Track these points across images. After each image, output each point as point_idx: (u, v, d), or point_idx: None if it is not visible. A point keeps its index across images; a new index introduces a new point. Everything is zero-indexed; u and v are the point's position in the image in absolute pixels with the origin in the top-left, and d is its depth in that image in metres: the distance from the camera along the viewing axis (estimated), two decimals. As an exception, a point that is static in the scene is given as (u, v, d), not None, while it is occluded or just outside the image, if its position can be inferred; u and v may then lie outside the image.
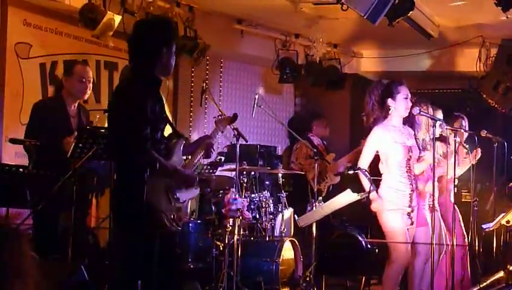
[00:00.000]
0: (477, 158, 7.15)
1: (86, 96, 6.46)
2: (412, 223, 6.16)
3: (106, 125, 6.44)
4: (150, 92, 4.45)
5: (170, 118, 5.03)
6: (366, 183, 6.19)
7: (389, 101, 6.18)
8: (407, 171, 6.19)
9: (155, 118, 4.41)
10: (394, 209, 6.08)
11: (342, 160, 8.78)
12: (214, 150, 4.96)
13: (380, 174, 6.31)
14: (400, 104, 6.19)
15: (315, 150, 7.97)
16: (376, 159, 6.39)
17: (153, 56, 4.48)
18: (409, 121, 6.45)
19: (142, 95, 4.38)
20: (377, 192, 6.13)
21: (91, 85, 6.40)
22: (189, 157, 4.82)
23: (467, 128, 7.35)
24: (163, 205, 4.38)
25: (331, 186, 8.76)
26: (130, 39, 4.65)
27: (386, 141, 6.16)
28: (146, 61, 4.49)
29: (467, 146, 7.04)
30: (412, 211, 6.15)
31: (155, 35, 4.52)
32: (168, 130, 4.73)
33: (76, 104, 6.32)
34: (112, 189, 5.45)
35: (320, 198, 7.41)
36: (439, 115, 6.99)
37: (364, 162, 6.20)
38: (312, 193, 8.68)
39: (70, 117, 6.25)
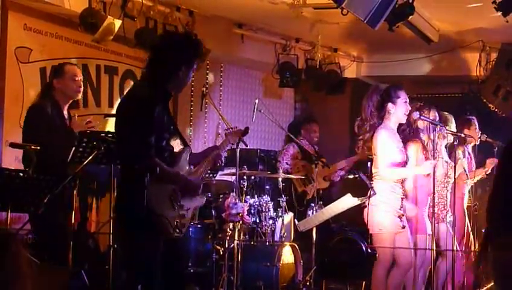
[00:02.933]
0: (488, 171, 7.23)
1: (79, 96, 6.44)
2: (403, 227, 6.16)
3: (106, 129, 6.51)
4: (159, 102, 4.43)
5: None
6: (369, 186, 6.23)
7: (389, 105, 6.18)
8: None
9: (161, 127, 4.40)
10: (386, 212, 6.09)
11: (338, 164, 8.77)
12: (222, 161, 4.93)
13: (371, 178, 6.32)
14: (399, 109, 6.20)
15: (316, 154, 7.98)
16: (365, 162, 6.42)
17: (171, 71, 4.47)
18: (409, 127, 6.46)
19: (151, 103, 4.36)
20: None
21: (82, 84, 6.39)
22: (196, 167, 4.79)
23: (477, 130, 7.39)
24: (165, 211, 4.36)
25: (321, 191, 8.73)
26: (154, 47, 4.64)
27: (391, 145, 6.15)
28: (163, 74, 4.48)
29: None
30: (403, 215, 6.17)
31: (180, 51, 4.49)
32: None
33: (67, 107, 6.31)
34: (114, 194, 5.46)
35: (321, 202, 7.40)
36: (452, 120, 7.00)
37: (386, 162, 6.14)
38: (296, 196, 8.70)
39: (66, 119, 6.25)
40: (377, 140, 6.14)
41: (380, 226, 6.10)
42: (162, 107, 4.43)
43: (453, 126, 6.98)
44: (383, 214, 6.10)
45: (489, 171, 7.38)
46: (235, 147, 6.72)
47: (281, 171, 8.17)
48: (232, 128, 5.56)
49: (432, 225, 6.29)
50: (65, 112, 6.28)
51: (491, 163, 7.31)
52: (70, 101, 6.38)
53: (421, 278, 6.60)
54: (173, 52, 4.50)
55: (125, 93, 5.22)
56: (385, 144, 6.12)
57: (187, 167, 4.63)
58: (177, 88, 4.65)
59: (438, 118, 6.63)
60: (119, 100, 8.27)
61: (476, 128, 7.41)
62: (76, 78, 6.28)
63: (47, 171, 5.62)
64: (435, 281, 6.63)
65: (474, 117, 7.54)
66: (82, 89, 6.39)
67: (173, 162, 4.49)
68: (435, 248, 6.28)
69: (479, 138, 7.40)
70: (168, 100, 4.60)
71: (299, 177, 8.84)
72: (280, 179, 7.88)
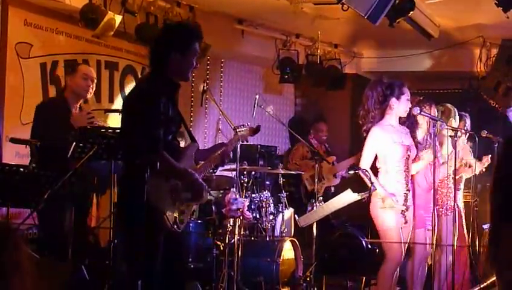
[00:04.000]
0: (485, 165, 7.18)
1: (89, 95, 6.45)
2: (406, 222, 6.17)
3: (108, 125, 6.50)
4: (164, 94, 4.40)
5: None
6: (368, 182, 6.22)
7: (393, 100, 6.20)
8: (404, 171, 6.22)
9: (167, 120, 4.37)
10: (389, 208, 6.09)
11: (343, 163, 8.77)
12: (229, 158, 4.90)
13: (376, 173, 6.33)
14: (402, 105, 6.22)
15: (316, 151, 7.98)
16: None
17: (164, 59, 4.47)
18: (409, 120, 6.46)
19: (154, 94, 4.34)
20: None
21: (94, 85, 6.39)
22: (202, 163, 4.76)
23: (468, 128, 7.36)
24: (166, 206, 4.34)
25: (331, 188, 8.76)
26: (152, 40, 4.70)
27: (385, 141, 6.17)
28: (158, 63, 4.49)
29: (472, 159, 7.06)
30: (407, 210, 6.17)
31: (167, 39, 4.52)
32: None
33: (78, 105, 6.32)
34: (115, 189, 5.46)
35: (321, 198, 7.41)
36: (455, 112, 6.99)
37: (365, 163, 6.21)
38: (306, 194, 8.70)
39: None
40: (367, 138, 6.21)
41: (384, 223, 6.11)
42: (167, 99, 4.40)
43: (456, 118, 6.97)
44: (385, 210, 6.10)
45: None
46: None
47: (292, 171, 8.17)
48: (243, 125, 5.51)
49: (432, 219, 6.29)
50: (74, 110, 6.27)
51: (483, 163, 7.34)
52: (81, 100, 6.38)
53: (421, 273, 6.60)
54: (163, 39, 4.53)
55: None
56: (372, 143, 6.17)
57: (192, 163, 4.60)
58: (179, 76, 4.56)
59: (436, 114, 6.63)
60: (119, 96, 8.32)
61: (465, 125, 7.38)
62: (87, 78, 6.28)
63: (48, 167, 5.62)
64: (436, 276, 6.62)
65: (466, 114, 7.51)
66: (92, 90, 6.36)
67: (178, 158, 4.47)
68: (435, 243, 6.28)
69: (468, 133, 7.35)
70: (174, 91, 4.55)
71: (307, 175, 8.84)
72: (280, 175, 7.88)
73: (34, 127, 6.20)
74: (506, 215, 3.10)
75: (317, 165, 7.60)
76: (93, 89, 6.41)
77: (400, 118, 6.35)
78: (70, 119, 6.10)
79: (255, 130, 5.37)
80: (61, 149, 5.80)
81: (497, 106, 9.33)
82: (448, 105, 7.00)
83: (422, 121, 6.62)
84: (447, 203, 6.68)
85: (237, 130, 5.32)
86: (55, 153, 5.82)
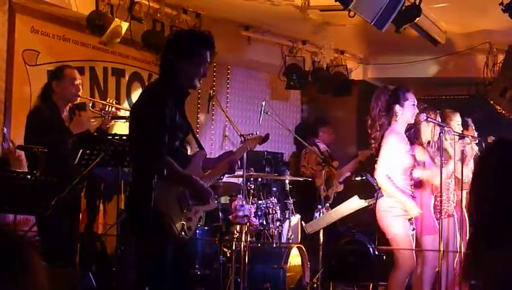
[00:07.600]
0: None
1: (78, 99, 6.41)
2: (412, 229, 6.15)
3: (113, 132, 6.51)
4: (171, 100, 4.38)
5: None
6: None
7: (397, 107, 6.17)
8: (409, 180, 6.20)
9: (173, 126, 4.37)
10: (398, 215, 6.07)
11: (344, 169, 8.77)
12: (238, 166, 4.89)
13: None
14: (407, 111, 6.19)
15: (323, 157, 7.98)
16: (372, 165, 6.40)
17: (169, 66, 4.47)
18: (412, 128, 6.45)
19: (162, 100, 4.33)
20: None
21: (81, 88, 6.35)
22: (209, 170, 4.74)
23: (474, 134, 7.35)
24: (173, 213, 4.32)
25: (335, 194, 8.75)
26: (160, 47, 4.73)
27: (399, 151, 6.12)
28: (166, 69, 4.50)
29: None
30: (412, 217, 6.16)
31: (171, 45, 4.54)
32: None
33: (67, 108, 6.29)
34: (121, 196, 5.47)
35: (328, 205, 7.41)
36: (458, 118, 6.99)
37: (384, 171, 6.11)
38: (320, 199, 8.70)
39: (65, 122, 6.24)
40: (384, 145, 6.11)
41: (394, 231, 6.08)
42: (174, 105, 4.38)
43: (459, 122, 6.97)
44: (394, 218, 6.07)
45: None
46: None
47: (306, 175, 8.16)
48: (251, 134, 5.49)
49: (439, 225, 6.28)
50: (64, 114, 6.26)
51: None
52: (69, 104, 6.35)
53: (428, 279, 6.58)
54: (169, 46, 4.54)
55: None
56: (391, 150, 6.08)
57: (200, 170, 4.59)
58: (186, 83, 4.52)
59: (440, 121, 6.63)
60: (126, 102, 8.34)
61: (473, 129, 7.39)
62: (75, 82, 6.24)
63: (51, 174, 5.62)
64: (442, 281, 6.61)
65: (469, 118, 7.50)
66: (81, 92, 6.33)
67: (185, 165, 4.45)
68: (442, 249, 6.26)
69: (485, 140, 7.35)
70: (182, 97, 4.53)
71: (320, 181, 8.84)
72: (287, 181, 7.87)
73: (26, 135, 6.17)
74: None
75: (324, 171, 7.61)
76: (81, 92, 6.37)
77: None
78: (68, 124, 6.08)
79: (263, 139, 5.35)
80: (58, 154, 5.79)
81: (503, 111, 9.31)
82: (448, 110, 7.01)
83: (426, 129, 6.60)
84: (447, 208, 6.68)
85: (246, 138, 5.31)
86: (58, 160, 5.81)
